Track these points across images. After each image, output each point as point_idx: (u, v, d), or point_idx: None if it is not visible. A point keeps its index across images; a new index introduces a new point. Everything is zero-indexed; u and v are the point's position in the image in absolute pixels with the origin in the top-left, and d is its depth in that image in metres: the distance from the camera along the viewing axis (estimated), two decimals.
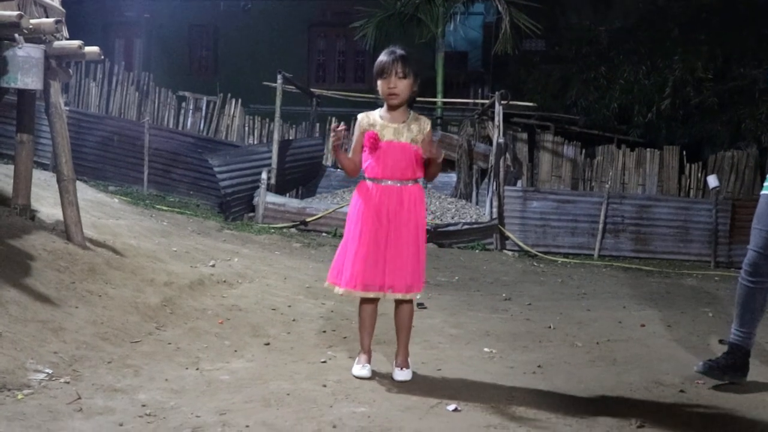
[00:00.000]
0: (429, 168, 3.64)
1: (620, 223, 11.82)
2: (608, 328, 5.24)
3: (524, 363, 4.14)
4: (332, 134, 3.53)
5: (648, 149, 13.88)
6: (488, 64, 18.31)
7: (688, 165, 13.38)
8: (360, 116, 3.68)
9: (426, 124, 3.66)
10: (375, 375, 3.61)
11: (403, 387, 3.49)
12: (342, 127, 3.56)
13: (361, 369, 3.61)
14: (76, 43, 5.21)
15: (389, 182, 3.56)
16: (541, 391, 3.57)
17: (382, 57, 3.58)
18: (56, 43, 5.17)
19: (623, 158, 13.81)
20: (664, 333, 5.11)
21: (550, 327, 5.30)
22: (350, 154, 3.66)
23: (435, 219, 11.56)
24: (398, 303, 3.62)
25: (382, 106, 3.68)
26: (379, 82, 3.58)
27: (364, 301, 3.62)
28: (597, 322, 5.55)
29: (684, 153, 13.50)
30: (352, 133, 3.73)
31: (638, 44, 15.37)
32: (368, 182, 3.60)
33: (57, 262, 4.69)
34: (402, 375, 3.60)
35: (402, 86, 3.55)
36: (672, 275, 9.83)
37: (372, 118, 3.64)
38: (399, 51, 3.57)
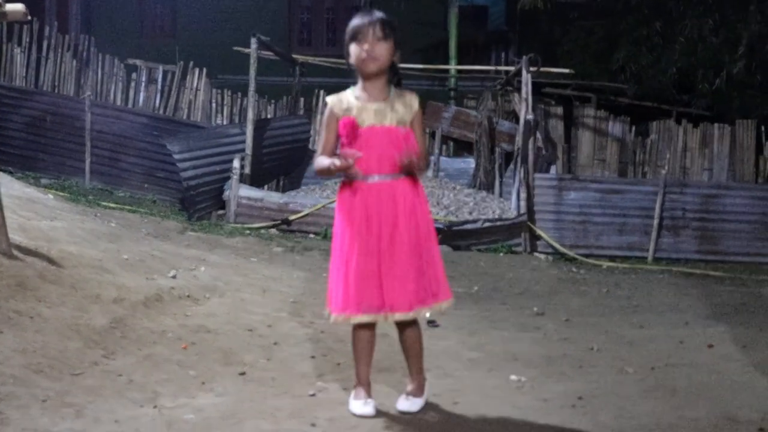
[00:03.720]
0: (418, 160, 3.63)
1: (681, 218, 11.81)
2: (667, 350, 5.24)
3: (561, 394, 4.14)
4: (345, 131, 3.53)
5: (716, 124, 13.86)
6: (513, 22, 18.30)
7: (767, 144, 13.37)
8: (330, 100, 3.65)
9: (413, 100, 3.65)
10: (379, 412, 3.62)
11: (411, 425, 3.49)
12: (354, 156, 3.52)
13: (362, 406, 3.62)
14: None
15: (377, 177, 3.55)
16: (583, 429, 3.57)
17: (356, 19, 3.58)
18: None
19: (684, 136, 13.81)
20: (739, 356, 5.11)
21: (593, 349, 5.30)
22: (319, 151, 3.66)
23: (449, 215, 11.57)
24: (402, 325, 3.62)
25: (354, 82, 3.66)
26: (351, 47, 3.56)
27: (359, 326, 3.62)
28: (652, 342, 5.55)
29: (763, 129, 13.47)
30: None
31: None
32: (351, 181, 3.59)
33: None
34: (406, 405, 3.62)
35: (381, 49, 3.54)
36: (748, 283, 9.82)
37: (345, 101, 3.61)
38: (377, 13, 3.59)
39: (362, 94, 3.61)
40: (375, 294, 3.51)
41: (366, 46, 3.52)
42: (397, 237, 3.53)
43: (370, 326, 3.63)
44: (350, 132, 3.52)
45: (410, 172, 3.59)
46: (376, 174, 3.55)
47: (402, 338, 3.68)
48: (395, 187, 3.56)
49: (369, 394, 3.67)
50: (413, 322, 3.65)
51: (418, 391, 3.69)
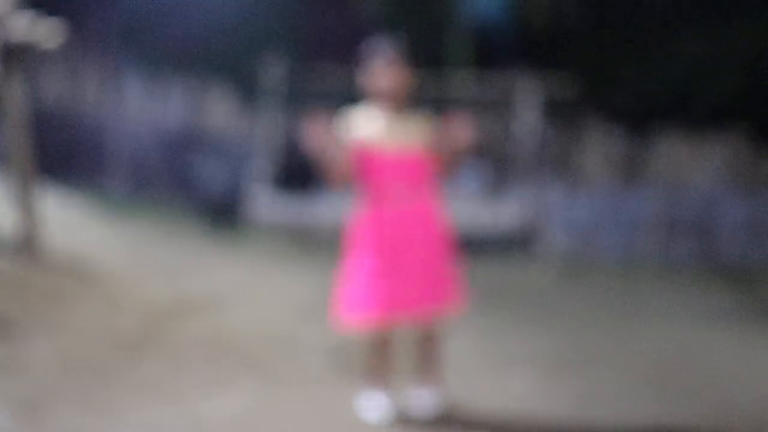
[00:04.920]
0: (449, 162, 3.62)
1: (684, 222, 11.75)
2: (671, 353, 5.23)
3: (570, 395, 4.15)
4: (310, 138, 3.43)
5: (715, 132, 13.78)
6: (520, 35, 18.27)
7: None
8: (343, 117, 3.63)
9: (426, 119, 3.64)
10: (397, 416, 3.62)
11: (425, 426, 3.50)
12: (319, 123, 3.44)
13: (378, 409, 3.62)
14: (26, 18, 5.20)
15: (395, 199, 3.55)
16: (592, 428, 3.56)
17: (376, 45, 3.60)
18: (14, 28, 5.18)
19: (686, 144, 13.72)
20: (743, 357, 5.09)
21: (599, 350, 5.29)
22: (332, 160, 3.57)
23: (457, 224, 11.53)
24: (420, 330, 3.64)
25: (368, 102, 3.65)
26: (371, 73, 3.56)
27: (382, 333, 3.63)
28: (658, 344, 5.53)
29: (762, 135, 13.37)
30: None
31: (702, 4, 15.23)
32: (369, 206, 3.59)
33: (11, 284, 4.73)
34: (425, 408, 3.62)
35: (400, 77, 3.54)
36: (751, 286, 9.75)
37: (361, 123, 3.59)
38: (394, 39, 3.63)
39: (377, 114, 3.61)
40: (393, 300, 3.51)
41: (387, 73, 3.52)
42: (416, 247, 3.53)
43: (390, 332, 3.63)
44: (367, 155, 3.51)
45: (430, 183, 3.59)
46: (392, 199, 3.54)
47: (419, 343, 3.68)
48: (412, 209, 3.56)
49: (387, 397, 3.68)
50: (432, 328, 3.65)
51: (433, 393, 3.70)
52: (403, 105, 3.62)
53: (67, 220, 7.61)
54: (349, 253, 3.66)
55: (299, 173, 13.28)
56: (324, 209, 11.48)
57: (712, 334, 5.96)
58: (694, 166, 13.65)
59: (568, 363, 4.96)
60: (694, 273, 10.89)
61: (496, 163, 13.35)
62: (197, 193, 12.15)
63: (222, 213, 11.48)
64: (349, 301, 3.62)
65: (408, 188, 3.55)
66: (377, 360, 3.69)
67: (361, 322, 3.58)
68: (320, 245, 10.58)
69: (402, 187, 3.55)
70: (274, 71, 12.30)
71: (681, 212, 11.82)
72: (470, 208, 12.31)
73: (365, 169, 3.54)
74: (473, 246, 10.92)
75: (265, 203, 11.27)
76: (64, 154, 12.79)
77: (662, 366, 4.81)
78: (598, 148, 13.96)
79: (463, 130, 3.54)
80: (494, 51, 18.68)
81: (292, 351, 4.90)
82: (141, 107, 14.98)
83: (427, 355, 3.71)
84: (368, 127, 3.58)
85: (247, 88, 15.81)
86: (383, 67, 3.54)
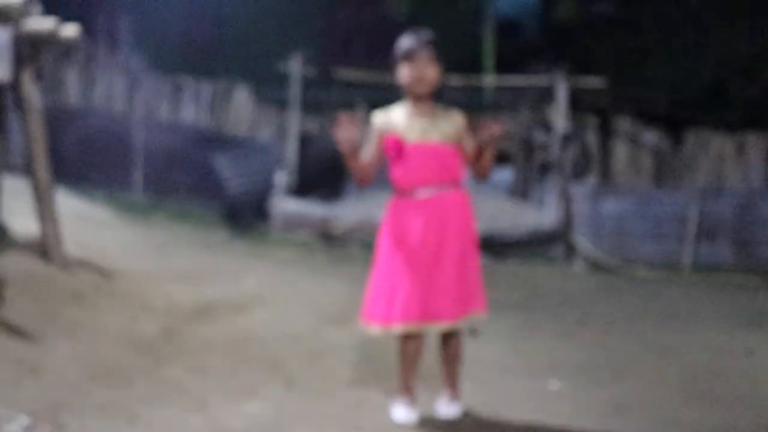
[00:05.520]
0: (480, 161, 3.63)
1: (718, 226, 11.65)
2: (705, 359, 5.18)
3: (599, 402, 4.12)
4: (344, 136, 3.44)
5: (752, 132, 13.66)
6: (548, 34, 18.21)
7: None
8: (375, 115, 3.70)
9: (459, 117, 3.69)
10: (421, 420, 3.61)
11: (451, 430, 3.49)
12: (351, 121, 3.48)
13: (406, 413, 3.63)
14: (50, 22, 5.28)
15: (424, 192, 3.57)
16: None
17: (407, 40, 3.64)
18: (27, 24, 5.25)
19: (719, 145, 13.61)
20: None
21: (630, 357, 5.25)
22: (364, 157, 3.61)
23: (486, 226, 11.51)
24: (445, 335, 3.65)
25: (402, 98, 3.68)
26: (402, 68, 3.61)
27: (408, 336, 3.63)
28: (691, 350, 5.48)
29: None
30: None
31: (737, 2, 15.11)
32: (400, 197, 3.63)
33: (33, 287, 4.77)
34: (449, 411, 3.64)
35: (432, 71, 3.59)
36: None
37: (391, 118, 3.65)
38: (426, 34, 3.64)
39: (408, 110, 3.65)
40: (420, 305, 3.52)
41: (418, 68, 3.56)
42: (444, 250, 3.54)
43: (418, 337, 3.63)
44: (396, 148, 3.55)
45: (461, 176, 3.59)
46: (422, 188, 3.57)
47: (444, 347, 3.70)
48: (442, 201, 3.58)
49: (412, 402, 3.68)
50: (456, 332, 3.67)
51: (455, 398, 3.72)
52: (431, 98, 3.65)
53: (87, 222, 7.68)
54: (378, 254, 3.66)
55: (321, 176, 13.34)
56: (346, 212, 11.50)
57: (749, 339, 5.90)
58: (729, 166, 13.54)
59: (600, 369, 4.92)
60: (730, 275, 10.80)
61: (525, 164, 13.33)
62: (220, 197, 12.22)
63: (244, 216, 11.53)
64: (376, 305, 3.62)
65: (436, 181, 3.57)
66: (402, 365, 3.70)
67: (386, 329, 3.58)
68: (343, 249, 10.61)
69: (430, 180, 3.57)
70: (297, 73, 12.33)
71: (716, 213, 11.72)
72: (499, 208, 12.29)
73: (394, 162, 3.58)
74: (502, 248, 10.90)
75: (288, 207, 11.30)
76: (84, 155, 12.91)
77: (697, 372, 4.77)
78: (630, 148, 13.88)
79: (493, 130, 3.56)
80: (522, 51, 18.66)
81: (316, 355, 4.91)
82: (163, 110, 15.10)
83: (450, 359, 3.72)
84: (398, 120, 3.62)
85: (270, 91, 15.90)
86: (411, 59, 3.57)
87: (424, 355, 3.75)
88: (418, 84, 3.59)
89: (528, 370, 4.84)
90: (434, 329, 3.58)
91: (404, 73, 3.60)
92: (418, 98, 3.63)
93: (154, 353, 4.50)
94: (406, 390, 3.68)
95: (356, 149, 3.52)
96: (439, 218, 3.56)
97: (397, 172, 3.61)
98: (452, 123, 3.65)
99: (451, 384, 3.75)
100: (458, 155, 3.64)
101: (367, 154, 3.63)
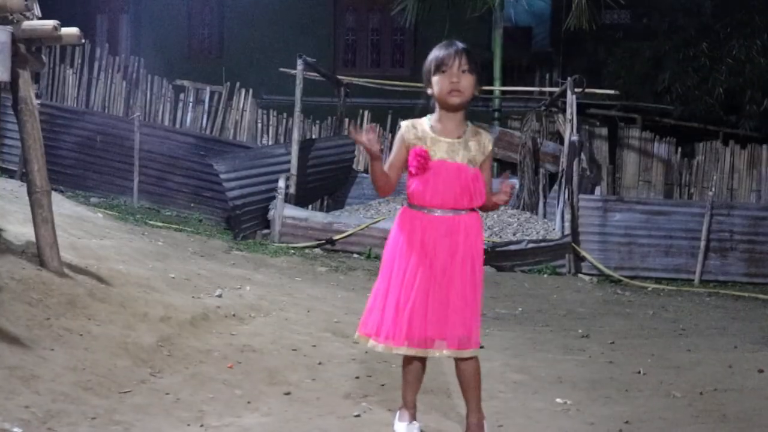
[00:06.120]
0: (490, 200, 3.61)
1: (728, 240, 11.65)
2: (715, 374, 5.16)
3: (607, 418, 4.10)
4: (365, 138, 3.43)
5: (764, 146, 13.68)
6: (558, 43, 18.23)
7: None
8: (404, 125, 3.60)
9: (488, 141, 3.60)
10: None
11: None
12: (372, 129, 3.50)
13: (407, 427, 3.59)
14: (50, 23, 5.29)
15: (439, 212, 3.50)
16: None
17: (440, 50, 3.53)
18: (25, 24, 5.26)
19: (731, 157, 13.64)
20: None
21: (639, 372, 5.24)
22: (386, 167, 3.57)
23: (493, 236, 11.52)
24: (458, 359, 3.56)
25: (431, 111, 3.60)
26: (435, 79, 3.50)
27: (408, 358, 3.60)
28: (700, 366, 5.47)
29: None
30: (384, 138, 3.68)
31: (751, 12, 15.13)
32: (413, 210, 3.56)
33: (27, 293, 4.75)
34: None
35: (466, 82, 3.48)
36: None
37: (420, 129, 3.56)
38: (461, 43, 3.53)
39: (438, 125, 3.55)
40: (422, 327, 3.46)
41: (453, 79, 3.47)
42: (452, 273, 3.47)
43: (420, 359, 3.60)
44: (420, 163, 3.47)
45: (478, 202, 3.56)
46: (438, 208, 3.50)
47: (458, 372, 3.58)
48: (456, 223, 3.50)
49: (414, 417, 3.65)
50: (470, 358, 3.57)
51: (479, 429, 3.58)
52: (464, 112, 3.57)
53: (84, 227, 7.67)
54: (383, 265, 3.62)
55: (323, 183, 13.35)
56: (348, 220, 11.49)
57: (759, 354, 5.88)
58: (741, 178, 13.53)
59: (607, 384, 4.91)
60: (741, 290, 10.78)
61: (533, 175, 13.33)
62: (220, 204, 12.23)
63: (245, 224, 11.53)
64: (374, 323, 3.57)
65: (454, 203, 3.50)
66: (403, 382, 3.67)
67: (387, 347, 3.53)
68: (344, 257, 10.60)
69: (449, 201, 3.50)
70: (300, 78, 12.34)
71: (726, 226, 11.72)
72: (505, 219, 12.29)
73: (415, 175, 3.53)
74: (509, 259, 10.90)
75: (289, 214, 11.30)
76: (82, 159, 12.92)
77: (707, 388, 4.75)
78: (640, 160, 13.88)
79: (505, 195, 3.56)
80: (532, 59, 18.68)
81: (316, 367, 4.89)
82: (164, 115, 15.13)
83: (465, 383, 3.61)
84: (425, 133, 3.54)
85: (272, 96, 15.93)
86: (444, 69, 3.49)
87: (434, 369, 3.72)
88: (451, 95, 3.48)
89: (534, 385, 4.82)
90: (434, 355, 3.51)
91: (436, 83, 3.50)
92: (450, 112, 3.54)
93: (150, 362, 4.48)
94: (407, 405, 3.65)
95: (380, 152, 3.48)
96: (450, 238, 3.48)
97: (416, 186, 3.53)
98: (480, 147, 3.56)
99: (473, 413, 3.59)
100: (481, 180, 3.54)
101: (391, 163, 3.56)
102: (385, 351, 3.55)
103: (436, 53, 3.52)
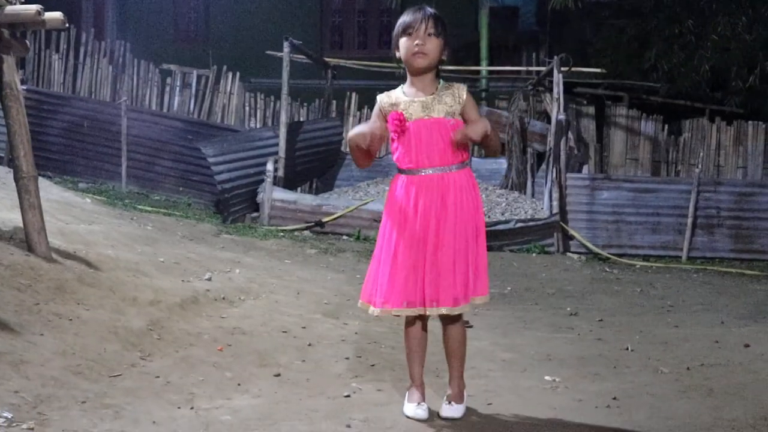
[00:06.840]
0: (483, 141, 3.59)
1: (715, 216, 11.69)
2: (702, 350, 5.19)
3: (596, 394, 4.12)
4: (393, 125, 3.51)
5: (750, 122, 13.71)
6: (544, 22, 18.21)
7: None
8: (380, 96, 3.67)
9: (461, 90, 3.62)
10: (431, 415, 3.61)
11: (446, 426, 3.48)
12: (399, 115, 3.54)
13: (415, 408, 3.60)
14: (33, 8, 5.25)
15: (427, 171, 3.54)
16: (618, 429, 3.54)
17: (408, 14, 3.58)
18: (8, 9, 5.21)
19: (718, 134, 13.67)
20: None
21: (627, 349, 5.27)
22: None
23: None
24: (445, 323, 3.60)
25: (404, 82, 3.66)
26: (401, 41, 3.56)
27: (408, 323, 3.62)
28: (687, 342, 5.50)
29: None
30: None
31: None
32: (402, 174, 3.60)
33: (16, 278, 4.74)
34: (449, 411, 3.61)
35: (431, 45, 3.53)
36: None
37: (394, 97, 3.62)
38: (430, 9, 3.57)
39: (410, 89, 3.61)
40: (419, 287, 3.49)
41: (417, 41, 3.51)
42: (444, 230, 3.49)
43: (419, 323, 3.61)
44: (399, 126, 3.51)
45: (466, 155, 3.57)
46: (425, 168, 3.53)
47: (445, 338, 3.64)
48: (445, 181, 3.53)
49: (423, 397, 3.65)
50: (457, 322, 3.61)
51: (458, 398, 3.64)
52: (433, 75, 3.60)
53: (72, 212, 7.65)
54: (380, 233, 3.64)
55: (311, 165, 13.32)
56: (336, 205, 11.48)
57: (746, 330, 5.92)
58: (728, 155, 13.57)
59: (595, 361, 4.93)
60: (727, 265, 10.83)
61: (520, 154, 13.33)
62: (209, 188, 12.20)
63: (233, 208, 11.51)
64: (374, 286, 3.59)
65: (440, 160, 3.52)
66: (407, 354, 3.68)
67: (384, 310, 3.54)
68: (333, 239, 10.60)
69: (434, 158, 3.52)
70: (287, 60, 12.29)
71: (713, 203, 11.76)
72: (493, 199, 12.30)
73: (397, 140, 3.55)
74: (497, 238, 10.91)
75: (278, 197, 11.29)
76: (69, 144, 12.86)
77: (694, 363, 4.77)
78: (627, 138, 13.90)
79: (470, 132, 3.51)
80: (519, 38, 18.66)
81: (306, 348, 4.90)
82: (151, 99, 15.07)
83: (451, 351, 3.66)
84: (399, 99, 3.59)
85: (259, 79, 15.87)
86: (410, 33, 3.52)
87: (439, 351, 3.72)
88: (416, 57, 3.52)
89: (523, 363, 4.84)
90: (432, 313, 3.53)
91: (402, 46, 3.55)
92: (418, 75, 3.57)
93: (140, 346, 4.48)
94: (414, 381, 3.66)
95: (372, 152, 3.57)
96: (440, 196, 3.51)
97: (401, 150, 3.56)
98: (455, 98, 3.58)
99: (454, 381, 3.66)
100: (462, 128, 3.55)
101: (365, 138, 3.56)
102: (383, 314, 3.57)
103: (404, 17, 3.58)
